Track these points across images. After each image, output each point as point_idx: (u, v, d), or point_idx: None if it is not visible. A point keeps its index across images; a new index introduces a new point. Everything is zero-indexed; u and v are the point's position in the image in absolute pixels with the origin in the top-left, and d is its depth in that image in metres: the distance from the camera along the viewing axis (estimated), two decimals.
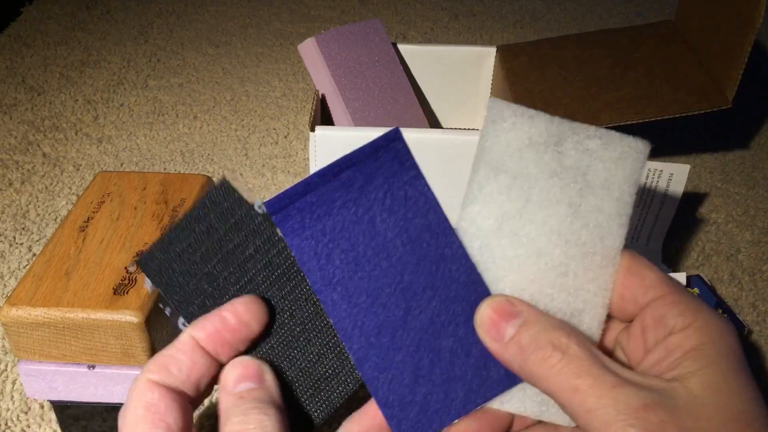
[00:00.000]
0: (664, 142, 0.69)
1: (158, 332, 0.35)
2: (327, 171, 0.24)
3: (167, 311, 0.33)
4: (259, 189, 0.61)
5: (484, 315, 0.26)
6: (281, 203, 0.24)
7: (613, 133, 0.26)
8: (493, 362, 0.26)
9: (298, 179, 0.62)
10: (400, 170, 0.25)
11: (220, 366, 0.26)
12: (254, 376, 0.26)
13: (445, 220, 0.26)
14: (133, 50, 0.83)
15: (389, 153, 0.25)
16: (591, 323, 0.26)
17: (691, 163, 0.66)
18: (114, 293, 0.33)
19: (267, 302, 0.26)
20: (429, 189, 0.26)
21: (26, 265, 0.51)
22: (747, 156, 0.67)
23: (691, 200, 0.61)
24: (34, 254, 0.52)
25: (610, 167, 0.26)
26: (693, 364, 0.24)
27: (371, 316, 0.25)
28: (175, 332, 0.39)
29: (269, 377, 0.26)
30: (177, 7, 0.94)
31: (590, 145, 0.26)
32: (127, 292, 0.33)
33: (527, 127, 0.26)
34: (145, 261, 0.26)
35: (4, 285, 0.49)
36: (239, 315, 0.26)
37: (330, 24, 0.90)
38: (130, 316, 0.33)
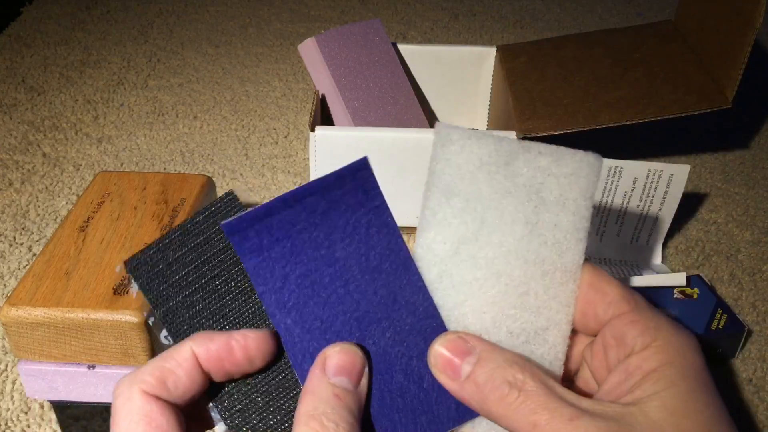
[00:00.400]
0: (664, 142, 0.69)
1: (158, 332, 0.35)
2: (290, 196, 0.24)
3: (150, 320, 0.32)
4: (259, 189, 0.61)
5: (437, 354, 0.26)
6: (241, 225, 0.24)
7: (563, 148, 0.26)
8: (443, 398, 0.26)
9: (298, 179, 0.62)
10: (364, 199, 0.25)
11: (211, 382, 0.25)
12: (356, 375, 0.25)
13: (406, 250, 0.25)
14: (133, 50, 0.83)
15: (355, 181, 0.24)
16: (555, 340, 0.26)
17: (691, 163, 0.66)
18: (114, 293, 0.33)
19: (277, 338, 0.25)
20: (392, 219, 0.25)
21: (26, 265, 0.51)
22: (747, 156, 0.67)
23: (691, 200, 0.61)
24: (34, 254, 0.52)
25: (564, 183, 0.26)
26: (652, 386, 0.24)
27: (324, 343, 0.25)
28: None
29: (365, 381, 0.25)
30: (177, 7, 0.94)
31: (542, 162, 0.26)
32: (127, 292, 0.33)
33: (476, 149, 0.26)
34: (133, 265, 0.25)
35: (4, 285, 0.49)
36: (248, 350, 0.25)
37: (330, 24, 0.90)
38: (130, 316, 0.33)
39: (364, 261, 0.25)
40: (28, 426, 0.40)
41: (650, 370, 0.24)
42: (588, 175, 0.26)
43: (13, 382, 0.42)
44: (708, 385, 0.25)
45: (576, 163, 0.26)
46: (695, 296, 0.46)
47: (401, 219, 0.56)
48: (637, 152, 0.66)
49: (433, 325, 0.26)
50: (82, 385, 0.35)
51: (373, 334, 0.25)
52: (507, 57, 0.61)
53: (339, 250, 0.25)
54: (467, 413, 0.26)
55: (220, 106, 0.72)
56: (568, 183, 0.26)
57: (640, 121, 0.52)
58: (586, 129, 0.52)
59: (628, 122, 0.52)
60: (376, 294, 0.25)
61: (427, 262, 0.26)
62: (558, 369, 0.26)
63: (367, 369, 0.25)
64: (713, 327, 0.44)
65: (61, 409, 0.37)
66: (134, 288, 0.27)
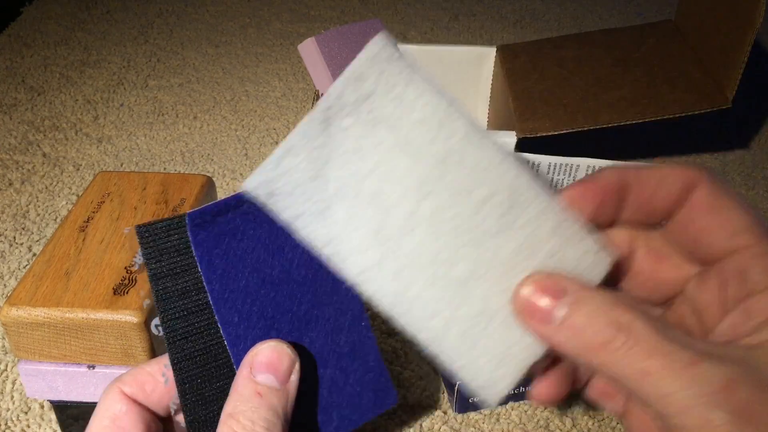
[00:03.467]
0: (664, 143, 0.69)
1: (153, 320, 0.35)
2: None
3: (146, 302, 0.32)
4: None
5: (523, 298, 0.23)
6: (203, 217, 0.24)
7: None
8: (366, 390, 0.26)
9: None
10: None
11: None
12: (282, 372, 0.25)
13: None
14: (133, 50, 0.83)
15: None
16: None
17: (691, 163, 0.65)
18: (114, 293, 0.33)
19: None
20: None
21: (26, 265, 0.51)
22: (747, 156, 0.67)
23: None
24: (34, 254, 0.52)
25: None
26: None
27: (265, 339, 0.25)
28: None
29: (295, 378, 0.25)
30: (177, 7, 0.94)
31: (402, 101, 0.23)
32: (127, 292, 0.33)
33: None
34: (143, 230, 0.24)
35: (4, 285, 0.49)
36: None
37: (330, 24, 0.90)
38: (130, 316, 0.32)
39: (309, 263, 0.25)
40: (28, 426, 0.40)
41: None
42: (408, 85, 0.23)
43: (13, 382, 0.42)
44: None
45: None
46: None
47: None
48: (637, 153, 0.66)
49: (362, 324, 0.26)
50: (82, 385, 0.35)
51: (310, 334, 0.26)
52: (507, 57, 0.61)
53: (288, 251, 0.25)
54: (387, 401, 0.27)
55: (220, 106, 0.72)
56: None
57: (641, 120, 0.52)
58: (586, 129, 0.52)
59: (628, 122, 0.52)
60: (316, 294, 0.26)
61: (351, 265, 0.23)
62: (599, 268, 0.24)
63: (297, 365, 0.25)
64: None
65: (61, 409, 0.37)
66: (138, 258, 0.26)
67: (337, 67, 0.55)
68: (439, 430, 0.41)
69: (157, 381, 0.25)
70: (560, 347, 0.23)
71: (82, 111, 0.71)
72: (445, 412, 0.42)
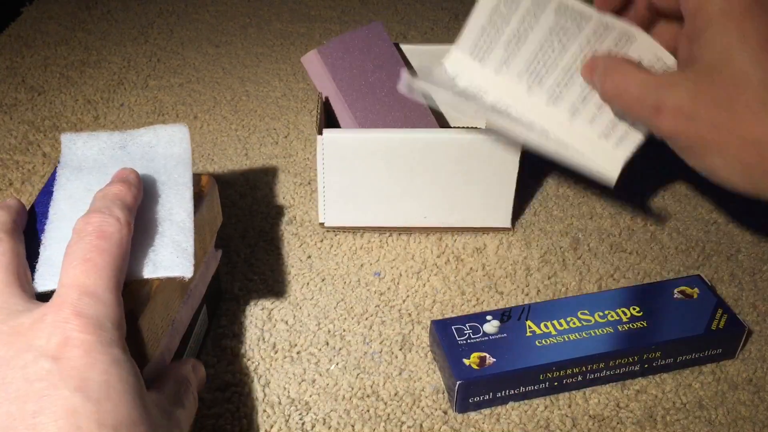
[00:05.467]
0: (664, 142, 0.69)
1: (153, 330, 0.35)
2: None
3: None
4: (260, 188, 0.61)
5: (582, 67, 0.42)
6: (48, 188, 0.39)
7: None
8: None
9: (298, 179, 0.62)
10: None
11: None
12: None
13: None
14: (133, 50, 0.83)
15: None
16: None
17: None
18: None
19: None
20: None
21: None
22: None
23: (691, 200, 0.61)
24: None
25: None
26: (706, 28, 0.34)
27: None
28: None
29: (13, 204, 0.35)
30: (177, 7, 0.94)
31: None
32: None
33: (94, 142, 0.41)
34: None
35: None
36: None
37: (330, 24, 0.90)
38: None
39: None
40: None
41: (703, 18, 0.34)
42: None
43: None
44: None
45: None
46: (695, 296, 0.46)
47: (409, 219, 0.57)
48: (637, 152, 0.66)
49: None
50: None
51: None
52: None
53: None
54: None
55: (220, 106, 0.72)
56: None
57: None
58: None
59: None
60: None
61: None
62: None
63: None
64: (713, 327, 0.44)
65: None
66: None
67: (341, 79, 0.55)
68: (439, 430, 0.41)
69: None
70: (593, 81, 0.42)
71: (82, 111, 0.71)
72: (445, 412, 0.42)
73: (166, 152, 0.40)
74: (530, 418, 0.42)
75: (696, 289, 0.47)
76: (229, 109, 0.72)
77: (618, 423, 0.41)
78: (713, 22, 0.33)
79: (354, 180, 0.52)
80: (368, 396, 0.43)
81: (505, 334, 0.43)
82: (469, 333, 0.43)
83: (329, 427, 0.41)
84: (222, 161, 0.64)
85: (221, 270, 0.51)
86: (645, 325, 0.44)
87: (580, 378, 0.42)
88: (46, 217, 0.36)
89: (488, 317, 0.44)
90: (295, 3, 0.96)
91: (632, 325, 0.44)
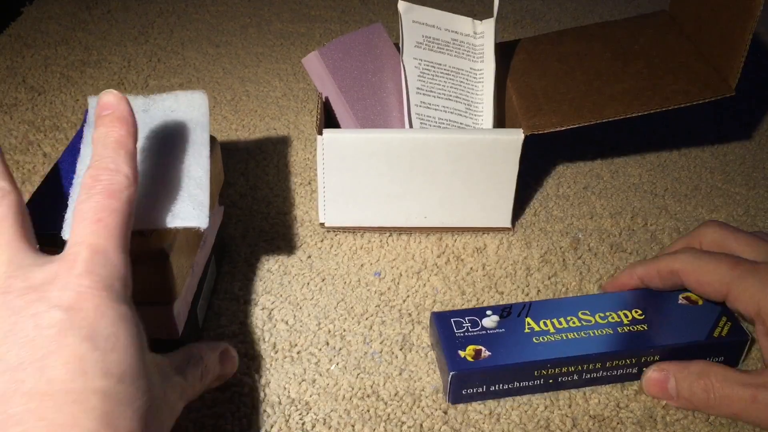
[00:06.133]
0: (664, 142, 0.69)
1: (180, 269, 0.39)
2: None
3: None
4: (260, 188, 0.61)
5: (650, 384, 0.42)
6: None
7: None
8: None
9: (299, 179, 0.62)
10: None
11: None
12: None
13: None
14: (133, 50, 0.83)
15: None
16: None
17: (691, 163, 0.66)
18: (139, 235, 0.37)
19: None
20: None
21: None
22: (747, 156, 0.67)
23: (691, 200, 0.61)
24: None
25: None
26: None
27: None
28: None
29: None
30: (177, 7, 0.94)
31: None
32: (150, 234, 0.38)
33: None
34: None
35: None
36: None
37: (330, 24, 0.90)
38: (154, 255, 0.37)
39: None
40: None
41: None
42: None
43: None
44: None
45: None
46: (700, 302, 0.45)
47: (409, 219, 0.57)
48: (636, 152, 0.66)
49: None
50: None
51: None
52: (506, 54, 0.61)
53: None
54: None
55: (221, 106, 0.72)
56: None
57: (647, 112, 0.52)
58: (593, 123, 0.51)
59: (635, 114, 0.52)
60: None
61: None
62: None
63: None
64: (716, 334, 0.43)
65: None
66: None
67: (342, 78, 0.55)
68: (440, 430, 0.41)
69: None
70: (686, 408, 0.41)
71: (82, 111, 0.71)
72: (445, 412, 0.42)
73: (186, 116, 0.43)
74: (530, 418, 0.41)
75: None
76: (229, 109, 0.72)
77: (618, 423, 0.41)
78: None
79: (354, 180, 0.52)
80: (368, 396, 0.43)
81: (503, 329, 0.43)
82: (467, 326, 0.43)
83: (329, 427, 0.41)
84: (222, 161, 0.64)
85: (226, 226, 0.51)
86: (645, 328, 0.43)
87: (576, 377, 0.42)
88: (73, 172, 0.38)
89: (488, 312, 0.44)
90: (295, 3, 0.96)
91: (632, 328, 0.43)
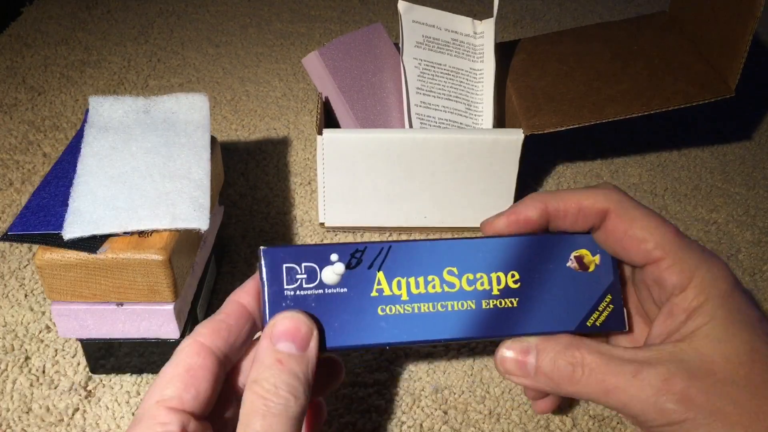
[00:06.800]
0: (664, 142, 0.69)
1: (180, 269, 0.39)
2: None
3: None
4: (259, 188, 0.61)
5: (504, 359, 0.31)
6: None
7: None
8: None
9: (298, 179, 0.62)
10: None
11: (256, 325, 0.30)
12: (301, 339, 0.28)
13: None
14: (133, 50, 0.83)
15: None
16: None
17: (691, 163, 0.66)
18: (139, 236, 0.37)
19: None
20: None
21: (27, 265, 0.51)
22: (747, 156, 0.67)
23: (691, 200, 0.61)
24: (34, 253, 0.52)
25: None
26: (694, 323, 0.28)
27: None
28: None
29: (314, 345, 0.28)
30: (177, 7, 0.94)
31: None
32: (150, 235, 0.37)
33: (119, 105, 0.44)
34: None
35: (5, 285, 0.49)
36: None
37: (330, 24, 0.91)
38: (155, 255, 0.36)
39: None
40: (28, 426, 0.40)
41: (691, 309, 0.29)
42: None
43: (14, 382, 0.42)
44: (741, 305, 0.28)
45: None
46: (592, 268, 0.33)
47: (409, 219, 0.56)
48: (636, 152, 0.66)
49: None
50: (111, 322, 0.39)
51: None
52: (506, 54, 0.61)
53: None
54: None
55: (221, 106, 0.72)
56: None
57: (646, 113, 0.52)
58: (593, 123, 0.51)
59: (635, 114, 0.52)
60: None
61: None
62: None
63: (315, 333, 0.29)
64: (590, 323, 0.33)
65: (91, 346, 0.41)
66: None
67: (342, 78, 0.55)
68: (439, 430, 0.41)
69: (230, 325, 0.29)
70: (542, 389, 0.31)
71: (82, 111, 0.71)
72: (445, 412, 0.42)
73: (187, 118, 0.43)
74: (530, 418, 0.42)
75: (597, 258, 0.34)
76: (229, 109, 0.72)
77: (618, 423, 0.41)
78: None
79: (354, 180, 0.52)
80: (369, 395, 0.43)
81: (345, 288, 0.32)
82: (302, 279, 0.31)
83: (329, 426, 0.41)
84: (222, 161, 0.64)
85: (226, 225, 0.51)
86: (515, 304, 0.33)
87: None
88: (73, 172, 0.39)
89: (333, 256, 0.32)
90: (295, 3, 0.96)
91: (500, 303, 0.33)
